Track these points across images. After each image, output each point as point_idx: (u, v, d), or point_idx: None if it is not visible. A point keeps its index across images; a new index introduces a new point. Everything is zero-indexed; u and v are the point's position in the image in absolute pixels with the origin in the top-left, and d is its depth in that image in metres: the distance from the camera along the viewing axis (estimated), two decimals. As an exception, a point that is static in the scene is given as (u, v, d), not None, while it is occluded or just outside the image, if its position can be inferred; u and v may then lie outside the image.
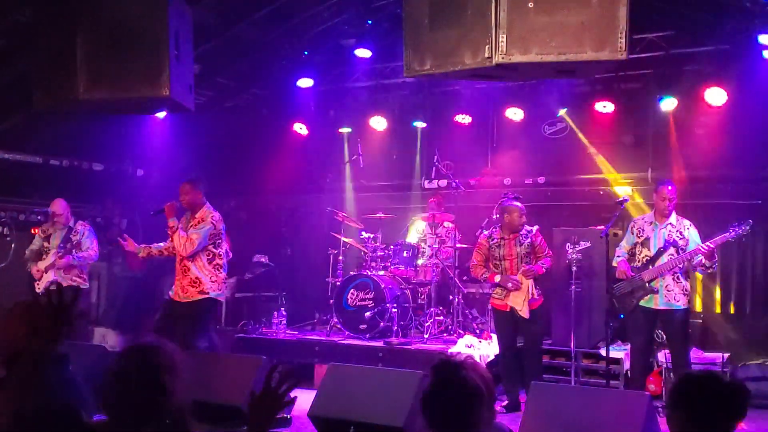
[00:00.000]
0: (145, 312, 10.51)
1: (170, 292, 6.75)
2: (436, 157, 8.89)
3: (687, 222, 6.35)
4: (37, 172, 9.45)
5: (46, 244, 7.68)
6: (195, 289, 6.56)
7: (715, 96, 7.90)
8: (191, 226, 6.63)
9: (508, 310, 6.75)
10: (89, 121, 8.91)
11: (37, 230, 8.16)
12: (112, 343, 9.21)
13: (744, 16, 7.07)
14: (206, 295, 6.58)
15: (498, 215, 7.08)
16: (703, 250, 6.01)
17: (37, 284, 7.56)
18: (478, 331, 7.96)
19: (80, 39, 6.21)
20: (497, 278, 6.76)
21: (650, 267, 6.26)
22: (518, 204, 6.79)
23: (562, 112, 8.82)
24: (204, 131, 10.71)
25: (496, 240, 6.85)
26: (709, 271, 6.44)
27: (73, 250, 7.47)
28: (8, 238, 8.09)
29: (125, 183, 10.95)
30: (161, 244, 6.87)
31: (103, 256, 10.12)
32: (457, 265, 8.26)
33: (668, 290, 6.19)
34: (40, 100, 6.90)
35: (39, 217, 9.68)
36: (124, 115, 8.89)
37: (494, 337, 7.79)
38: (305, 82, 9.30)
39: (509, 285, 6.69)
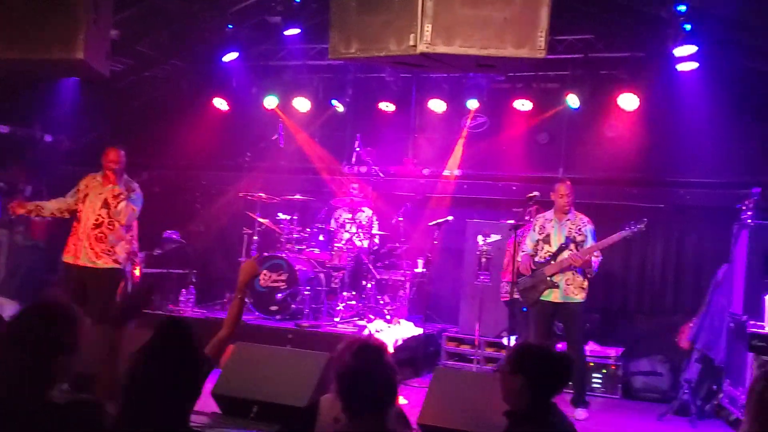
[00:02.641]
0: (48, 282, 10.16)
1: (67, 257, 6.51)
2: (357, 143, 8.92)
3: (585, 218, 6.64)
4: (-64, 131, 8.96)
5: None
6: (110, 257, 6.44)
7: (628, 101, 8.18)
8: (121, 194, 6.44)
9: None
10: (-3, 81, 8.50)
11: None
12: (11, 313, 8.84)
13: (659, 26, 7.37)
14: (119, 266, 6.49)
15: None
16: (592, 251, 6.36)
17: None
18: (388, 317, 8.06)
19: (-9, -6, 5.93)
20: None
21: (552, 262, 6.51)
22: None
23: (472, 104, 8.94)
24: (119, 100, 10.38)
25: None
26: (589, 276, 6.60)
27: None
28: None
29: (32, 148, 10.50)
30: (51, 203, 6.62)
31: (4, 223, 9.71)
32: (372, 251, 8.34)
33: (567, 284, 6.50)
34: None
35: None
36: (36, 79, 8.54)
37: (402, 322, 7.92)
38: (230, 56, 9.13)
39: None
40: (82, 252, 6.42)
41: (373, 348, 2.63)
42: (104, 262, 6.44)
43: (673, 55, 7.28)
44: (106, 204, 6.45)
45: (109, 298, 6.50)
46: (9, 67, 6.55)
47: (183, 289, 8.63)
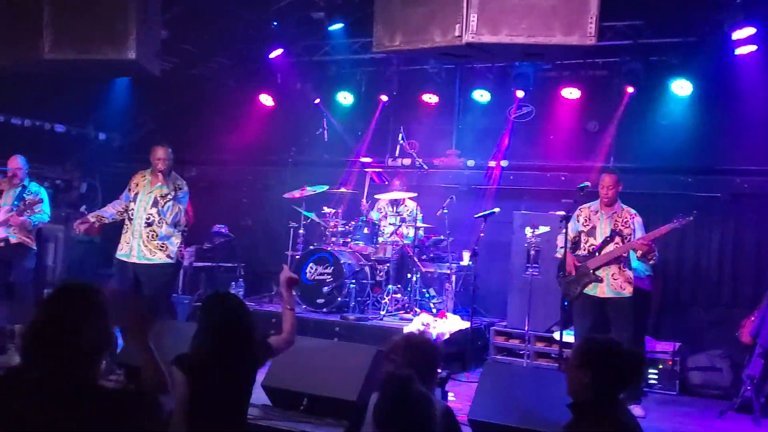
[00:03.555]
0: (102, 277, 10.39)
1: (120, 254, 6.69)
2: (401, 135, 8.89)
3: (632, 211, 6.42)
4: (-3, 131, 9.24)
5: None
6: (163, 252, 6.61)
7: (681, 87, 7.99)
8: (168, 194, 6.59)
9: None
10: (53, 82, 8.71)
11: None
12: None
13: (714, 9, 7.15)
14: (171, 260, 6.68)
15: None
16: (643, 243, 6.12)
17: None
18: (434, 310, 8.03)
19: (47, -3, 6.07)
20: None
21: (596, 255, 6.34)
22: None
23: (518, 93, 8.84)
24: (167, 98, 10.55)
25: None
26: (650, 263, 6.49)
27: (27, 210, 7.29)
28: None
29: (87, 146, 10.77)
30: (109, 211, 6.83)
31: (61, 219, 9.96)
32: (416, 244, 8.31)
33: (614, 279, 6.27)
34: (2, 58, 6.73)
35: None
36: (89, 78, 8.74)
37: (449, 315, 7.88)
38: (275, 53, 9.19)
39: None
40: (136, 249, 6.59)
41: (400, 380, 2.68)
42: (158, 258, 6.60)
43: (730, 38, 7.05)
44: (155, 202, 6.61)
45: (162, 292, 6.69)
46: (64, 67, 6.73)
47: (232, 282, 8.73)
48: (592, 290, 6.31)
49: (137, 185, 6.75)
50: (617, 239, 6.30)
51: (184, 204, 6.70)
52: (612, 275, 6.27)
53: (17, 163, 7.53)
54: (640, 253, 6.16)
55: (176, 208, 6.62)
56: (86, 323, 2.33)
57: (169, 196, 6.58)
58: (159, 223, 6.59)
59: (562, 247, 6.49)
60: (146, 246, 6.58)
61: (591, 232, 6.43)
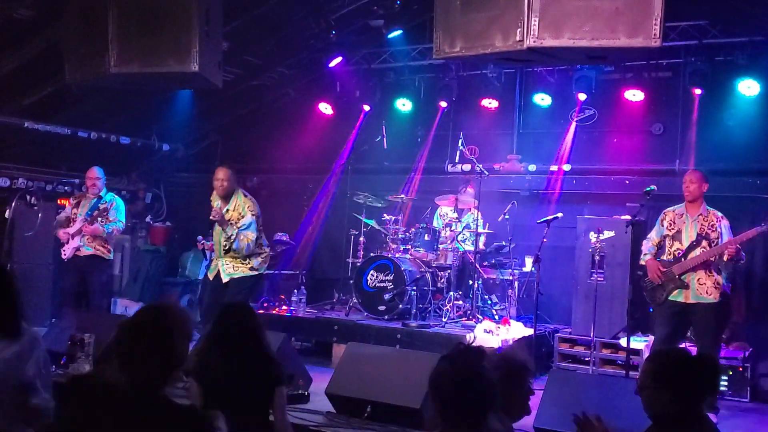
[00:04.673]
0: (167, 285, 10.66)
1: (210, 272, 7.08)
2: (460, 141, 8.84)
3: (719, 214, 6.23)
4: (65, 144, 9.53)
5: (75, 211, 7.73)
6: (246, 266, 6.94)
7: (748, 87, 7.80)
8: (230, 221, 6.82)
9: None
10: (117, 95, 8.96)
11: (66, 201, 8.23)
12: (134, 315, 9.31)
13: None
14: (256, 272, 7.04)
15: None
16: (731, 246, 5.93)
17: (64, 250, 7.64)
18: (497, 317, 7.95)
19: (112, 12, 6.26)
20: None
21: (682, 260, 6.15)
22: None
23: (580, 97, 8.72)
24: (229, 109, 10.76)
25: None
26: (740, 263, 6.31)
27: (100, 218, 7.49)
28: (35, 208, 8.15)
29: (151, 157, 11.04)
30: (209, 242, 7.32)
31: (126, 230, 10.24)
32: (478, 250, 8.25)
33: (700, 284, 6.07)
34: (71, 74, 6.98)
35: (66, 188, 9.81)
36: (153, 90, 8.97)
37: (512, 322, 7.80)
38: (334, 62, 9.28)
39: None
40: (222, 269, 6.94)
41: (472, 355, 2.55)
42: (242, 272, 6.91)
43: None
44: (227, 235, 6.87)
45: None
46: (128, 80, 6.92)
47: (294, 290, 8.83)
48: (678, 296, 6.15)
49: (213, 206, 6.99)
50: (704, 243, 6.11)
51: (253, 231, 6.84)
52: (698, 280, 6.09)
53: (94, 173, 7.75)
54: (727, 257, 5.97)
55: (245, 240, 6.79)
56: (167, 343, 2.41)
57: (233, 230, 6.78)
58: (236, 251, 6.84)
59: (645, 255, 6.35)
60: (228, 265, 6.92)
61: (676, 236, 6.25)
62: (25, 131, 8.90)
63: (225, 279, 6.91)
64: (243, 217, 6.85)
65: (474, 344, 2.65)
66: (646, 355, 7.03)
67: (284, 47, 9.54)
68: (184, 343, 2.50)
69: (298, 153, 10.46)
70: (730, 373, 7.06)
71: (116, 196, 7.98)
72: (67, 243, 7.58)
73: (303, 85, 10.30)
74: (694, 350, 6.37)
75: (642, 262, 6.40)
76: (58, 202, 9.33)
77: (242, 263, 6.91)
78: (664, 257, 6.29)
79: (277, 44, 9.45)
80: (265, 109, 10.79)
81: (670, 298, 6.17)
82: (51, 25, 7.62)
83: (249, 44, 9.13)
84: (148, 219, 11.39)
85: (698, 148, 8.33)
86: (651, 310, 6.46)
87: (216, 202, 6.99)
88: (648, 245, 6.41)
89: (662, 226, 6.38)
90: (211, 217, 6.89)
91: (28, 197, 8.04)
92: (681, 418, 2.73)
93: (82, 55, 6.77)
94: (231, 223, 6.81)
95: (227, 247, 6.87)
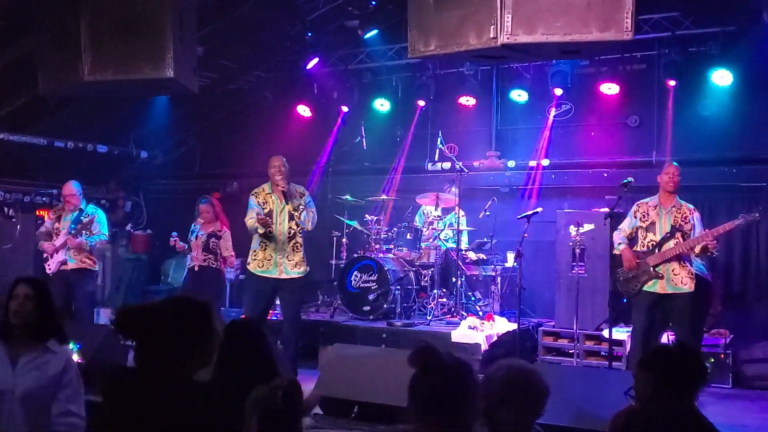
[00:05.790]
0: (150, 293, 10.58)
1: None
2: (439, 140, 8.87)
3: (690, 206, 6.29)
4: (41, 154, 9.43)
5: (57, 225, 7.64)
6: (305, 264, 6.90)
7: (721, 77, 7.88)
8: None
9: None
10: (93, 103, 8.90)
11: (45, 212, 8.14)
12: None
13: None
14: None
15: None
16: (708, 239, 5.99)
17: (48, 265, 7.56)
18: (481, 313, 7.99)
19: (84, 20, 6.20)
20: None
21: (656, 252, 6.23)
22: None
23: (556, 92, 8.78)
24: (206, 114, 10.71)
25: None
26: (714, 255, 6.38)
27: (84, 232, 7.43)
28: (13, 219, 8.07)
29: (129, 165, 10.97)
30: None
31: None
32: (460, 247, 8.28)
33: (675, 274, 6.13)
34: (45, 83, 6.90)
35: (44, 199, 9.70)
36: (128, 98, 8.91)
37: (497, 317, 7.84)
38: (311, 63, 9.27)
39: None
40: (285, 267, 6.82)
41: (431, 350, 2.40)
42: (303, 270, 6.96)
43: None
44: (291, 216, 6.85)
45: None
46: (103, 88, 6.86)
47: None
48: (652, 287, 6.20)
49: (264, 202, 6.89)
50: (678, 235, 6.16)
51: (314, 207, 6.93)
52: (672, 271, 6.15)
53: (69, 189, 7.63)
54: (699, 248, 6.04)
55: (311, 212, 6.86)
56: (197, 339, 2.43)
57: (299, 201, 6.84)
58: (303, 225, 6.80)
59: (619, 244, 6.40)
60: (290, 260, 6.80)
61: (650, 228, 6.30)
62: (1, 143, 8.81)
63: (290, 276, 6.74)
64: (303, 195, 6.87)
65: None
66: (628, 345, 7.08)
67: (260, 50, 9.53)
68: (212, 344, 2.55)
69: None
70: (712, 360, 7.14)
71: (98, 208, 7.90)
72: (51, 257, 7.52)
73: (280, 88, 10.27)
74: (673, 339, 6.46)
75: (616, 252, 6.44)
76: (37, 213, 9.24)
77: (303, 261, 6.83)
78: (637, 248, 6.34)
79: (253, 48, 9.43)
80: (243, 113, 10.75)
81: (644, 289, 6.21)
82: (23, 35, 7.54)
83: (225, 48, 9.09)
84: (128, 227, 11.29)
85: (674, 138, 8.41)
86: (625, 301, 6.52)
87: (258, 198, 6.90)
88: (620, 236, 6.43)
89: (635, 217, 6.41)
90: (259, 224, 6.67)
91: (6, 209, 7.95)
92: (673, 413, 2.76)
93: (55, 64, 6.70)
94: (296, 196, 6.80)
95: (291, 234, 6.75)
